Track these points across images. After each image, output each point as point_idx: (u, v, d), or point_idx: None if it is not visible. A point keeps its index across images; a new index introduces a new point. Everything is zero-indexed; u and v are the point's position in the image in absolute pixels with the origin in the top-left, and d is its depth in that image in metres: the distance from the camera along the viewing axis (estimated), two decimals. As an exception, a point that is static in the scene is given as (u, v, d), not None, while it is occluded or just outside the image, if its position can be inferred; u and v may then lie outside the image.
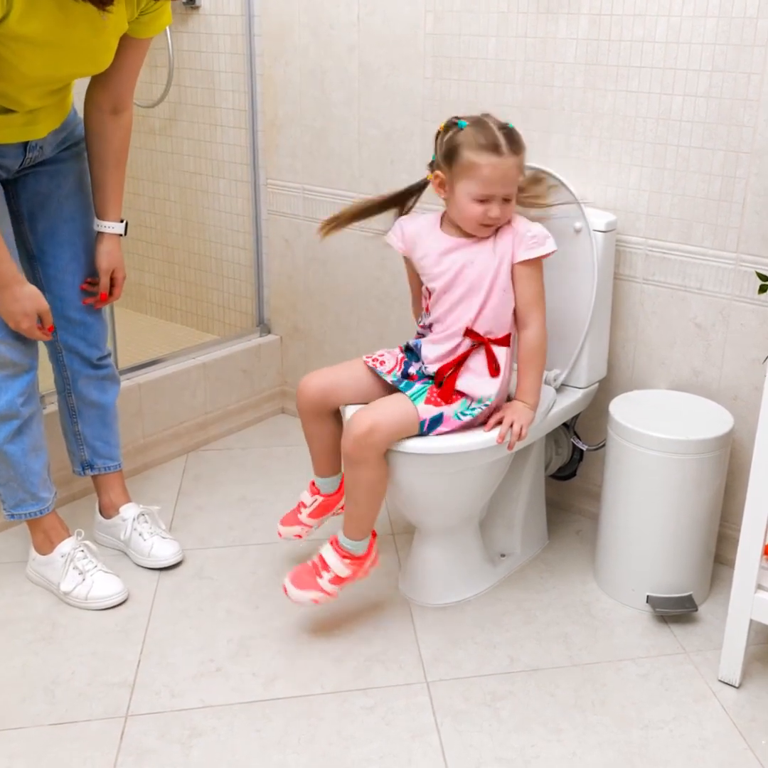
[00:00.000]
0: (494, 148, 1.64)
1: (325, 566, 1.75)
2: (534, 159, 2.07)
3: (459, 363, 1.74)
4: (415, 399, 1.72)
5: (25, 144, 1.72)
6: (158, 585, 1.96)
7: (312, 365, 2.63)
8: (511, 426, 1.71)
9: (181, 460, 2.52)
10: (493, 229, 1.72)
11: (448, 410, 1.72)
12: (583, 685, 1.69)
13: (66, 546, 1.90)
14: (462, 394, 1.74)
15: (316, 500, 1.94)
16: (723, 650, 1.68)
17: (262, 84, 2.56)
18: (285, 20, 2.43)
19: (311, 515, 1.95)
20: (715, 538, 1.93)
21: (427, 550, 1.90)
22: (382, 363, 1.82)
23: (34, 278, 1.87)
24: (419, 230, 1.79)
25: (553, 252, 1.72)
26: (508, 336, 1.76)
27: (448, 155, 1.69)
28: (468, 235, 1.73)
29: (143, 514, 2.05)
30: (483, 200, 1.66)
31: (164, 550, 2.00)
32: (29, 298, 1.73)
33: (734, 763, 1.51)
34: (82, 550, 1.91)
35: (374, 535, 1.79)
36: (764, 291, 1.68)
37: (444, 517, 1.86)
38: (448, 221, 1.76)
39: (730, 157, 1.84)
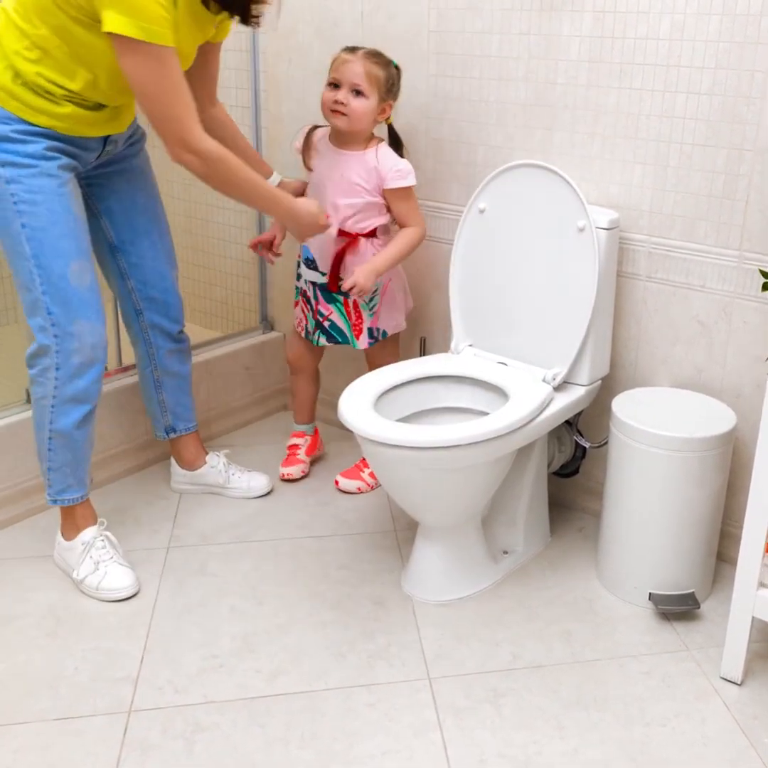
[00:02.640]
0: (350, 50, 2.05)
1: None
2: (537, 156, 2.08)
3: (339, 258, 2.14)
4: (353, 342, 2.23)
5: (105, 138, 1.85)
6: (162, 580, 1.96)
7: (315, 362, 2.63)
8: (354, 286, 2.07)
9: (184, 457, 2.52)
10: (345, 119, 2.04)
11: (366, 320, 2.20)
12: (586, 682, 1.69)
13: (88, 534, 1.94)
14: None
15: (306, 441, 2.44)
16: (725, 647, 1.68)
17: (265, 81, 2.56)
18: (289, 18, 2.43)
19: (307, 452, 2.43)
20: (717, 536, 1.93)
21: (430, 547, 1.91)
22: (301, 327, 2.31)
23: (117, 267, 2.03)
24: (321, 137, 2.17)
25: (409, 186, 2.11)
26: (375, 230, 2.14)
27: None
28: (345, 147, 2.10)
29: (226, 458, 2.33)
30: (333, 86, 2.03)
31: (260, 481, 2.32)
32: (308, 212, 1.98)
33: (736, 761, 1.52)
34: (102, 540, 1.94)
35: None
36: (767, 288, 1.68)
37: (447, 515, 1.87)
38: (333, 133, 2.13)
39: (734, 154, 1.84)
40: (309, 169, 2.19)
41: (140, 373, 2.21)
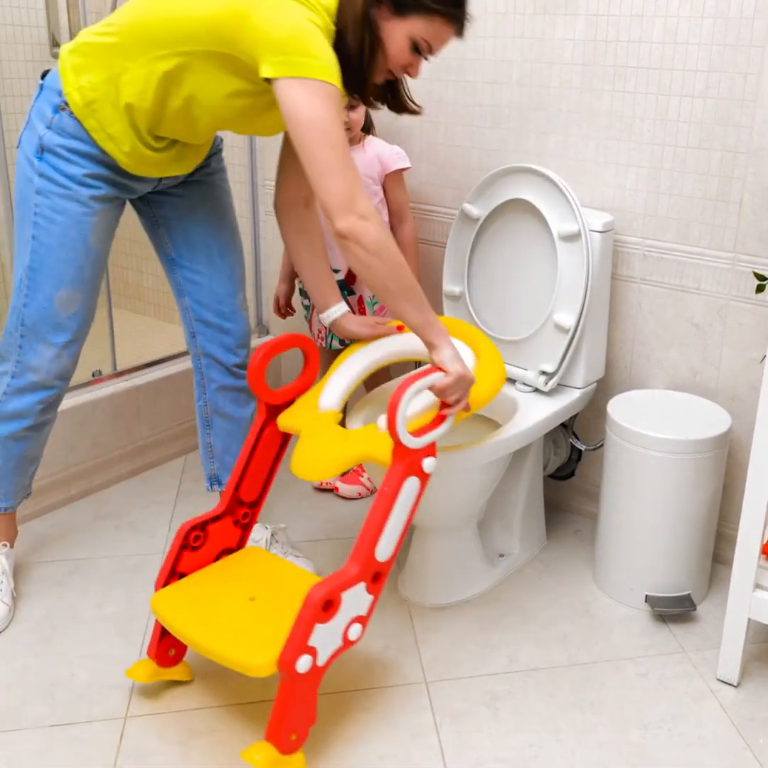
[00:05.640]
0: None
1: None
2: (531, 160, 2.08)
3: None
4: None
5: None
6: (157, 586, 1.96)
7: (310, 366, 2.62)
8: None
9: (180, 462, 2.52)
10: (348, 133, 2.05)
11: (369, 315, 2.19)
12: (582, 685, 1.69)
13: None
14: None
15: None
16: (721, 649, 1.68)
17: (259, 85, 2.56)
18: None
19: None
20: (713, 538, 1.93)
21: (426, 550, 1.90)
22: (321, 337, 2.32)
23: (175, 282, 1.91)
24: None
25: (409, 167, 2.17)
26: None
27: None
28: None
29: (274, 535, 2.02)
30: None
31: None
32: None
33: (732, 762, 1.52)
34: None
35: None
36: (761, 290, 1.69)
37: (443, 518, 1.86)
38: None
39: (727, 157, 1.84)
40: None
41: (195, 405, 2.00)
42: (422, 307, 1.53)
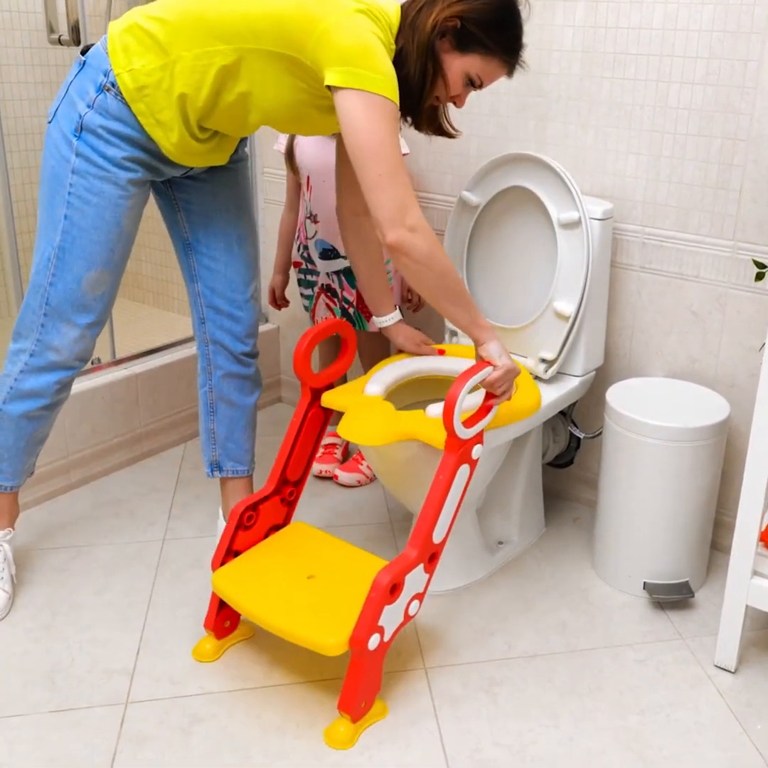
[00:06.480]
0: None
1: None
2: (530, 147, 2.08)
3: None
4: (364, 325, 2.22)
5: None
6: (157, 573, 1.96)
7: (309, 354, 2.63)
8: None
9: (179, 449, 2.53)
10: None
11: None
12: (580, 671, 1.70)
13: None
14: None
15: (342, 442, 2.46)
16: (719, 636, 1.69)
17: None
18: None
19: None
20: (711, 525, 1.94)
21: (425, 537, 1.91)
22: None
23: (188, 267, 1.89)
24: (300, 138, 2.15)
25: (407, 153, 2.17)
26: None
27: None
28: None
29: None
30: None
31: None
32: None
33: (729, 748, 1.53)
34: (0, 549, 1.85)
35: None
36: (761, 278, 1.69)
37: (442, 505, 1.87)
38: None
39: (727, 144, 1.84)
40: (295, 171, 2.20)
41: (198, 391, 1.99)
42: (469, 308, 1.62)
